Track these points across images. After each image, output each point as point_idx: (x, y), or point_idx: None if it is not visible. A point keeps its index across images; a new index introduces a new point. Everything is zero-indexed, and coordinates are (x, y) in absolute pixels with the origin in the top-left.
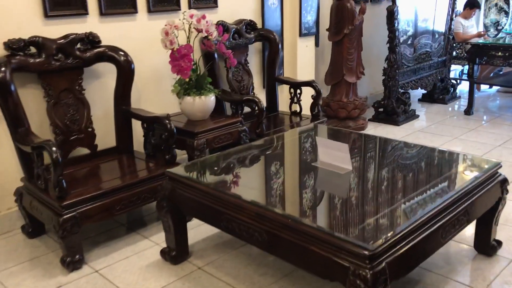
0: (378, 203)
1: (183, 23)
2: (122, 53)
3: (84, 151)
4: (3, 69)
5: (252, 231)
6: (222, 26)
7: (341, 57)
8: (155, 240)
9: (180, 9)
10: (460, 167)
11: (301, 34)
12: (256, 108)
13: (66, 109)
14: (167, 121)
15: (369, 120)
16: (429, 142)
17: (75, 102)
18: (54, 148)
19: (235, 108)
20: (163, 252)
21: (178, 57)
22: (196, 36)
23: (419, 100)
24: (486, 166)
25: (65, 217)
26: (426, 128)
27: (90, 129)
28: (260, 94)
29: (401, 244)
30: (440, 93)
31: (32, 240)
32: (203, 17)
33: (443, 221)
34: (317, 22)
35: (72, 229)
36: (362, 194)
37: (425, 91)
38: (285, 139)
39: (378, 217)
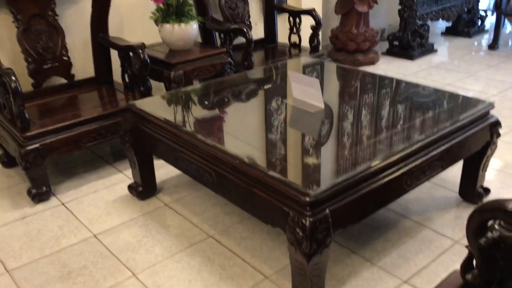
0: (339, 145)
1: None
2: None
3: (62, 80)
4: None
5: (202, 171)
6: None
7: None
8: (128, 174)
9: None
10: (444, 108)
11: None
12: (244, 38)
13: (38, 36)
14: (140, 51)
15: (383, 53)
16: (441, 78)
17: (48, 28)
18: (13, 78)
19: (223, 38)
20: (130, 187)
21: None
22: None
23: (442, 33)
24: (474, 107)
25: (27, 148)
26: (442, 64)
27: (65, 58)
28: (259, 24)
29: (351, 191)
30: (465, 25)
31: (8, 170)
32: None
33: (408, 167)
34: None
35: (35, 161)
36: (326, 135)
37: (449, 24)
38: (266, 74)
39: (332, 160)
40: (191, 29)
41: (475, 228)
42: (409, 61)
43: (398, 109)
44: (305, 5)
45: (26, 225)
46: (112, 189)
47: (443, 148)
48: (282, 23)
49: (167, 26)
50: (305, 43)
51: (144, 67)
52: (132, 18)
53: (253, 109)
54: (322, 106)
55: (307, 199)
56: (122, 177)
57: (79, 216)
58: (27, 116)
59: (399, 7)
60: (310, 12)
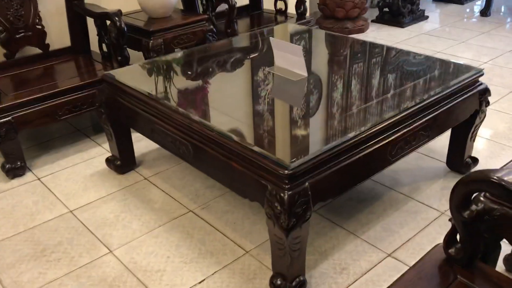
0: (320, 116)
1: None
2: None
3: (36, 50)
4: None
5: (179, 144)
6: None
7: None
8: (107, 148)
9: None
10: (432, 75)
11: None
12: (227, 4)
13: (8, 3)
14: (116, 18)
15: (373, 21)
16: (431, 46)
17: None
18: None
19: (205, 5)
20: (108, 161)
21: None
22: None
23: (433, 0)
24: (463, 74)
25: None
26: (433, 31)
27: (39, 26)
28: None
29: (332, 163)
30: None
31: None
32: None
33: (393, 137)
34: None
35: (8, 134)
36: (307, 105)
37: None
38: (249, 41)
39: (313, 131)
40: None
41: (459, 201)
42: (399, 29)
43: (384, 77)
44: None
45: (0, 201)
46: (90, 163)
47: (429, 117)
48: None
49: None
50: (292, 9)
51: (121, 36)
52: None
53: (233, 78)
54: (306, 74)
55: (285, 171)
56: (101, 151)
57: (55, 191)
58: None
59: None
60: None
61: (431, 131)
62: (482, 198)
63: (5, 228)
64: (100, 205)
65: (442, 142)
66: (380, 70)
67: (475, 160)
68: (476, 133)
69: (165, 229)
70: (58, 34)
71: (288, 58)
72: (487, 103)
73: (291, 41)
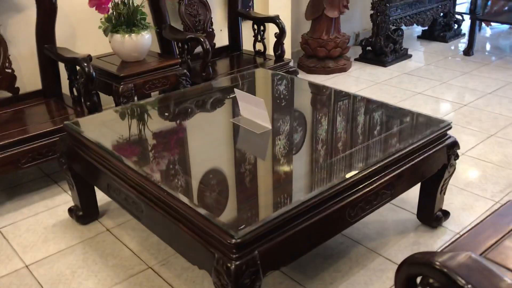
0: (275, 175)
1: None
2: None
3: (6, 94)
4: None
5: (132, 202)
6: None
7: None
8: None
9: None
10: (396, 129)
11: None
12: (201, 48)
13: None
14: (85, 64)
15: (356, 59)
16: (412, 87)
17: None
18: None
19: (181, 48)
20: (70, 211)
21: None
22: None
23: (419, 37)
24: (430, 128)
25: None
26: (416, 70)
27: (8, 70)
28: (224, 31)
29: (284, 229)
30: (441, 30)
31: None
32: None
33: (351, 198)
34: None
35: None
36: (264, 163)
37: (425, 27)
38: (220, 88)
39: (266, 193)
40: (143, 39)
41: (403, 282)
42: (382, 68)
43: (346, 131)
44: (272, 11)
45: None
46: (54, 211)
47: (392, 174)
48: (248, 30)
49: (117, 37)
50: (272, 50)
51: (89, 81)
52: (84, 27)
53: (195, 129)
54: (269, 126)
55: (232, 240)
56: (66, 198)
57: (13, 243)
58: None
59: (371, 12)
60: (274, 20)
61: (395, 189)
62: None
63: None
64: (58, 259)
65: (414, 192)
66: (343, 123)
67: (446, 214)
68: (446, 186)
69: (122, 287)
70: (29, 77)
71: (252, 110)
72: (456, 157)
73: (258, 88)
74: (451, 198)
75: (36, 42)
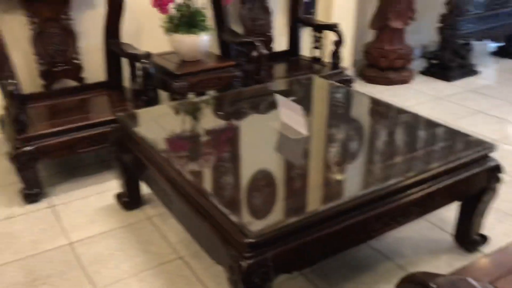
0: (302, 181)
1: None
2: None
3: (72, 83)
4: None
5: (165, 194)
6: None
7: None
8: None
9: None
10: (434, 147)
11: None
12: (256, 52)
13: (50, 39)
14: (144, 60)
15: (420, 72)
16: (474, 104)
17: (61, 32)
18: (11, 81)
19: (238, 50)
20: (117, 196)
21: None
22: None
23: (492, 53)
24: (469, 149)
25: (19, 151)
26: (482, 88)
27: (76, 61)
28: (284, 36)
29: (300, 235)
30: None
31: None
32: None
33: (374, 212)
34: None
35: (28, 163)
36: (292, 167)
37: (500, 43)
38: (269, 92)
39: (288, 197)
40: (202, 40)
41: None
42: (446, 83)
43: (383, 144)
44: (335, 19)
45: (11, 226)
46: (103, 195)
47: (421, 192)
48: (307, 36)
49: (177, 36)
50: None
51: (147, 77)
52: (149, 25)
53: (233, 130)
54: (305, 133)
55: (247, 239)
56: (116, 184)
57: (63, 221)
58: (23, 119)
59: (439, 24)
60: (333, 28)
61: (425, 206)
62: None
63: (8, 253)
64: (99, 241)
65: (454, 211)
66: (380, 136)
67: (484, 238)
68: (486, 210)
69: (152, 274)
70: (95, 69)
71: (291, 115)
72: (497, 181)
73: (307, 95)
74: (494, 223)
75: (103, 37)
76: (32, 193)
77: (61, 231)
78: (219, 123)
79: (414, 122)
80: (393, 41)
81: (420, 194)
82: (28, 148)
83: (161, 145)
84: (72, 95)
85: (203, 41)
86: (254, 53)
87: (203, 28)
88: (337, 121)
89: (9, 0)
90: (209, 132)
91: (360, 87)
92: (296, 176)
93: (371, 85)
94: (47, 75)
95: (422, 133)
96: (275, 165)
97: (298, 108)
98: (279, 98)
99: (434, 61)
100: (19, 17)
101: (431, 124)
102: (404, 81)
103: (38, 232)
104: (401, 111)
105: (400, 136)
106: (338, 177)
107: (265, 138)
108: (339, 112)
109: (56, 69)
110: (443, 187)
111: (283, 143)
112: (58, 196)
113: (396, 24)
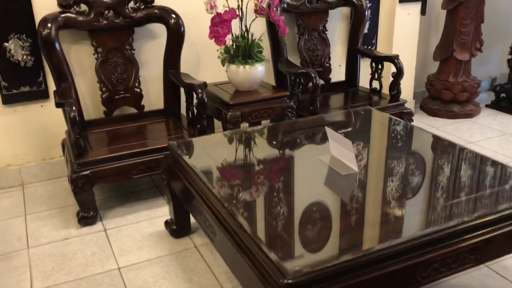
0: (347, 221)
1: None
2: (173, 15)
3: (132, 110)
4: (48, 25)
5: (208, 225)
6: None
7: (454, 29)
8: None
9: None
10: (495, 191)
11: (401, 0)
12: (311, 83)
13: (114, 68)
14: (199, 90)
15: (487, 106)
16: None
17: (124, 61)
18: (73, 108)
19: (294, 81)
20: (166, 224)
21: (218, 23)
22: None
23: None
24: None
25: (76, 175)
26: None
27: (137, 89)
28: (343, 66)
29: (342, 278)
30: None
31: None
32: None
33: (423, 258)
34: None
35: (84, 186)
36: (341, 206)
37: None
38: (324, 124)
39: (332, 238)
40: (256, 71)
41: None
42: None
43: (437, 186)
44: (396, 50)
45: (66, 247)
46: (153, 221)
47: (476, 239)
48: (366, 66)
49: (233, 67)
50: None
51: (201, 106)
52: (208, 56)
53: (283, 163)
54: (356, 169)
55: (285, 280)
56: (167, 211)
57: (113, 245)
58: (81, 144)
59: (509, 56)
60: (392, 59)
61: (481, 254)
62: None
63: (60, 274)
64: (146, 267)
65: None
66: (436, 177)
67: None
68: None
69: None
70: (154, 97)
71: (341, 150)
72: None
73: (362, 128)
74: None
75: (163, 66)
76: (88, 216)
77: (111, 255)
78: (268, 154)
79: (475, 160)
80: (457, 73)
81: (475, 240)
82: (84, 172)
83: (207, 175)
84: (131, 122)
85: (258, 72)
86: (310, 84)
87: (258, 59)
88: (391, 157)
89: (79, 31)
90: (256, 164)
91: (422, 120)
92: (342, 216)
93: (433, 118)
94: (109, 102)
95: (484, 173)
96: (322, 202)
97: (348, 142)
98: (329, 131)
99: (502, 95)
100: (86, 46)
101: (494, 164)
102: (468, 115)
103: (90, 255)
104: (462, 148)
105: (460, 176)
106: (388, 218)
107: (314, 172)
108: (395, 148)
109: (117, 96)
110: (502, 233)
111: (332, 178)
112: (112, 219)
113: (461, 55)
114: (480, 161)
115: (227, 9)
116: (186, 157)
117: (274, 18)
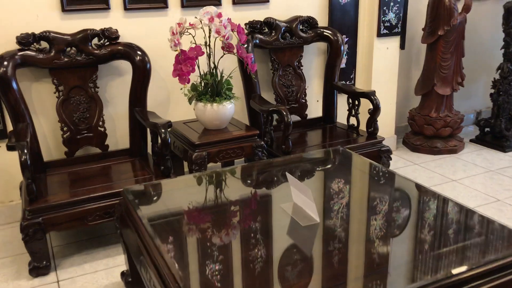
0: (301, 278)
1: (200, 21)
2: (139, 51)
3: (96, 150)
4: (5, 63)
5: (153, 284)
6: (253, 26)
7: (434, 63)
8: None
9: (220, 4)
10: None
11: (379, 34)
12: (281, 120)
13: (76, 107)
14: (162, 130)
15: (472, 140)
16: None
17: (87, 99)
18: (25, 151)
19: (266, 118)
20: (122, 275)
21: (182, 60)
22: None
23: None
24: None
25: (27, 222)
26: None
27: (101, 128)
28: (320, 102)
29: None
30: None
31: None
32: (219, 15)
33: None
34: (404, 19)
35: (35, 235)
36: (296, 264)
37: None
38: (291, 165)
39: None
40: (225, 109)
41: None
42: (500, 153)
43: (410, 239)
44: (375, 85)
45: None
46: (111, 271)
47: None
48: (343, 102)
49: (200, 105)
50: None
51: (164, 146)
52: (177, 93)
53: (241, 211)
54: (317, 219)
55: None
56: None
57: None
58: (34, 188)
59: (491, 90)
60: (368, 95)
61: None
62: None
63: None
64: None
65: None
66: (409, 230)
67: None
68: None
69: None
70: (119, 136)
71: (303, 198)
72: None
73: (333, 171)
74: None
75: (129, 105)
76: (40, 266)
77: None
78: (225, 202)
79: (453, 211)
80: (439, 108)
81: None
82: (36, 220)
83: (155, 227)
84: (95, 163)
85: (226, 110)
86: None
87: (227, 97)
88: (360, 207)
89: (40, 68)
90: (211, 213)
91: (404, 156)
92: (300, 273)
93: (415, 154)
94: (70, 142)
95: (462, 226)
96: (277, 256)
97: (307, 190)
98: (289, 177)
99: (487, 129)
100: (47, 84)
101: (475, 216)
102: (452, 151)
103: None
104: (445, 200)
105: (435, 228)
106: (347, 279)
107: (271, 221)
108: (365, 196)
109: (79, 136)
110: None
111: (291, 229)
112: (67, 269)
113: (442, 90)
114: (461, 214)
115: (194, 46)
116: (136, 205)
117: (242, 55)
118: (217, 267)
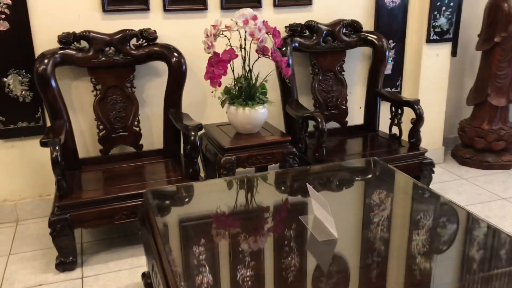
0: None
1: (236, 23)
2: (175, 53)
3: (131, 149)
4: (45, 61)
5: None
6: (293, 29)
7: (489, 72)
8: None
9: (260, 6)
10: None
11: (428, 40)
12: (316, 128)
13: (112, 106)
14: (192, 132)
15: None
16: None
17: (124, 99)
18: (56, 147)
19: (301, 124)
20: (143, 276)
21: (214, 63)
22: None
23: None
24: None
25: (55, 217)
26: None
27: (136, 128)
28: (363, 109)
29: None
30: None
31: None
32: (254, 17)
33: None
34: (456, 25)
35: (62, 231)
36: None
37: None
38: (323, 175)
39: None
40: (257, 113)
41: None
42: None
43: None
44: (423, 94)
45: None
46: (134, 271)
47: None
48: (387, 110)
49: (232, 109)
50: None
51: (193, 150)
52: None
53: (259, 221)
54: (335, 235)
55: None
56: None
57: None
58: (64, 185)
59: None
60: (411, 104)
61: None
62: None
63: None
64: None
65: None
66: (437, 259)
67: None
68: None
69: None
70: (154, 136)
71: (322, 211)
72: None
73: (366, 186)
74: None
75: (164, 106)
76: (67, 261)
77: None
78: (247, 210)
79: (489, 234)
80: (493, 120)
81: None
82: (63, 216)
83: (168, 234)
84: (128, 162)
85: (259, 114)
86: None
87: (260, 101)
88: (385, 226)
89: (79, 67)
90: (231, 221)
91: (451, 169)
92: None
93: (464, 168)
94: (106, 140)
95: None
96: (289, 271)
97: (325, 204)
98: (310, 189)
99: None
100: (86, 83)
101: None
102: (505, 166)
103: None
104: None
105: (462, 256)
106: None
107: (289, 234)
108: (393, 215)
109: (114, 135)
110: None
111: (308, 243)
112: (93, 266)
113: (497, 101)
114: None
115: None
116: (155, 208)
117: (276, 58)
118: (214, 267)
